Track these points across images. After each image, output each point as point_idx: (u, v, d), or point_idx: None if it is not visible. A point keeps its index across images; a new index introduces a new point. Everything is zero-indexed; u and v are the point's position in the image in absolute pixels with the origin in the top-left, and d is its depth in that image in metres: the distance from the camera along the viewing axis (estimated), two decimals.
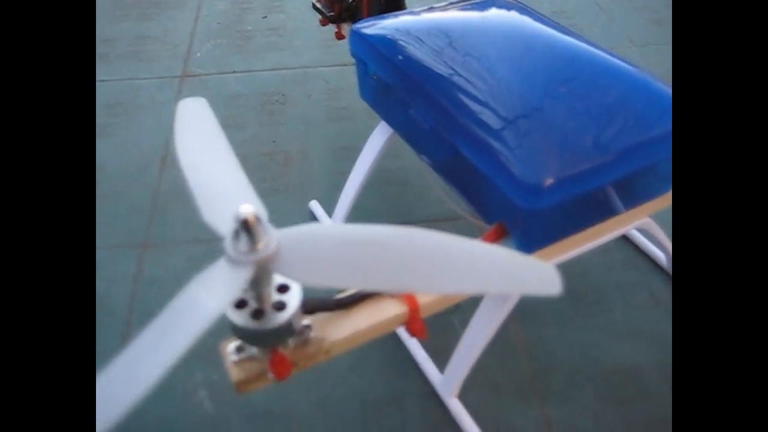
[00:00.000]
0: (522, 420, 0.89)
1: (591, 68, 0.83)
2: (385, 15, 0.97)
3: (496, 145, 0.71)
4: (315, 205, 1.21)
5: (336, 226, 0.48)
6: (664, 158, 0.74)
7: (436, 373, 0.93)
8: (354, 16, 1.22)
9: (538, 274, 0.55)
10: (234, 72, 1.59)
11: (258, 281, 0.51)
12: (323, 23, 1.27)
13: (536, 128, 0.73)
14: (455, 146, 0.77)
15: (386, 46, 0.88)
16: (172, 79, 1.56)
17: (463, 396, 0.90)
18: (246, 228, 0.44)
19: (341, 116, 1.43)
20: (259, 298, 0.54)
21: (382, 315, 0.65)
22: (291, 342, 0.61)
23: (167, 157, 1.31)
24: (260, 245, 0.45)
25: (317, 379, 0.93)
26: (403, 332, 0.99)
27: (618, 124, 0.73)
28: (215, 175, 0.57)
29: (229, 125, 1.41)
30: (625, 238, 1.18)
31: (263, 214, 0.52)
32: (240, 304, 0.53)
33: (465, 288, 0.58)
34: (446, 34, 0.87)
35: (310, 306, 0.63)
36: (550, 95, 0.77)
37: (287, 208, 1.22)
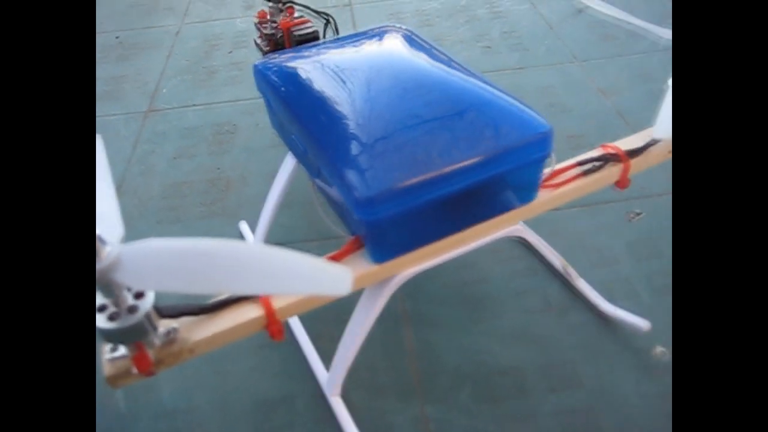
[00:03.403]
0: (400, 418, 0.97)
1: (448, 93, 0.91)
2: (289, 50, 1.08)
3: (341, 164, 0.81)
4: (243, 226, 1.33)
5: (173, 240, 0.60)
6: (509, 170, 0.82)
7: (325, 374, 1.02)
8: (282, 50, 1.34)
9: (332, 276, 0.65)
10: (194, 105, 1.74)
11: (107, 288, 0.63)
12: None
13: (379, 149, 0.83)
14: (319, 166, 0.87)
15: (276, 79, 0.99)
16: (138, 115, 1.71)
17: (347, 395, 0.99)
18: None
19: (281, 143, 1.55)
20: (116, 303, 0.66)
21: (242, 318, 0.75)
22: (158, 342, 0.72)
23: (122, 187, 1.45)
24: (101, 258, 0.56)
25: (220, 380, 1.03)
26: (302, 337, 1.09)
27: (457, 142, 0.82)
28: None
29: (181, 155, 1.55)
30: (529, 248, 1.24)
31: (118, 233, 0.63)
32: (100, 309, 0.64)
33: (269, 289, 0.69)
34: (328, 66, 0.98)
35: (176, 310, 0.74)
36: (403, 119, 0.87)
37: (221, 228, 1.34)
